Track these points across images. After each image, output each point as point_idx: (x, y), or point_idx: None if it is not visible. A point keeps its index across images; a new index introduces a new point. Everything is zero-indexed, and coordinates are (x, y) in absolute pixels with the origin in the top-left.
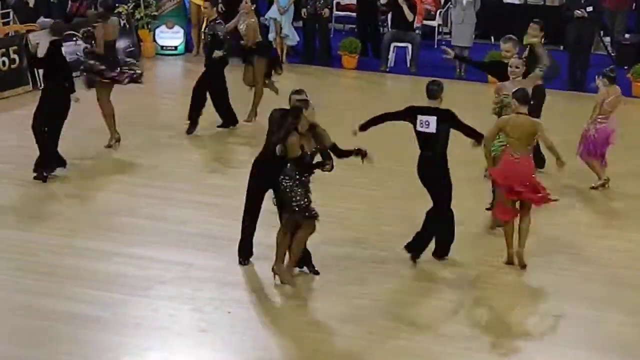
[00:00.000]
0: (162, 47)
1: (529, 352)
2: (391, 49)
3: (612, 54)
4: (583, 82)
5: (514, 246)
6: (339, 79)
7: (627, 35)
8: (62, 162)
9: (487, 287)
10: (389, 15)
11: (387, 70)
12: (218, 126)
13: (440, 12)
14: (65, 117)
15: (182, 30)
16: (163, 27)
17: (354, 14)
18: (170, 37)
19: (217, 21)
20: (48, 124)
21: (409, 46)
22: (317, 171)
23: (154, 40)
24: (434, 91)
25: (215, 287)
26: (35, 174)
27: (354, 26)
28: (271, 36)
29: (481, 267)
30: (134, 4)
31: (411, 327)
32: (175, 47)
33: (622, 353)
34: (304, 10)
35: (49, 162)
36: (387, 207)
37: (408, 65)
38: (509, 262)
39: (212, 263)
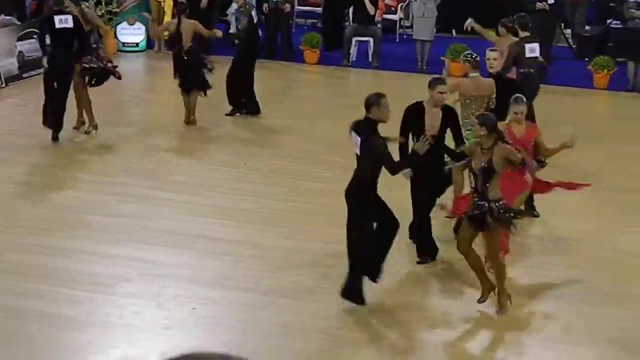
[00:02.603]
0: (123, 43)
1: (534, 349)
2: (353, 43)
3: (573, 46)
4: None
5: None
6: (301, 74)
7: (587, 27)
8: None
9: (457, 277)
10: (351, 10)
11: (349, 64)
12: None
13: (401, 5)
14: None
15: (143, 27)
16: (124, 24)
17: (316, 9)
18: (132, 33)
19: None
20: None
21: (371, 40)
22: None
23: (115, 37)
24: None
25: (180, 284)
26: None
27: (315, 21)
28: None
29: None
30: (94, 0)
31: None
32: (137, 44)
33: (626, 347)
34: (265, 5)
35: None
36: None
37: (370, 59)
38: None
39: (177, 260)
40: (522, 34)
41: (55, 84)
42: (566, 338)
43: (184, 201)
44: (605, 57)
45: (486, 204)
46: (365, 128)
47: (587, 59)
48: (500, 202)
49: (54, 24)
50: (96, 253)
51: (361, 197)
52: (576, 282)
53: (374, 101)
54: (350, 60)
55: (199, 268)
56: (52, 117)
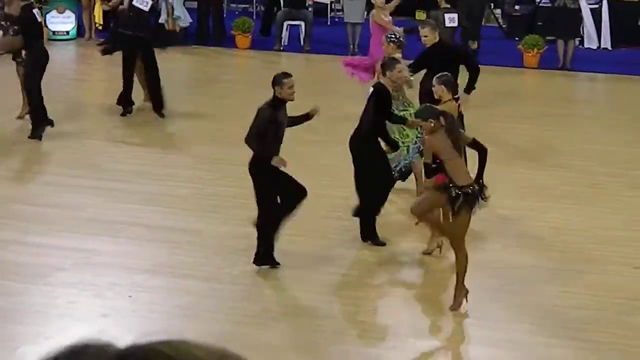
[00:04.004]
0: (53, 32)
1: (468, 327)
2: (284, 27)
3: (503, 26)
4: (475, 55)
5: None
6: (233, 58)
7: (517, 7)
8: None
9: (420, 264)
10: None
11: (281, 48)
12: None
13: None
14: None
15: (73, 15)
16: (54, 12)
17: None
18: (62, 22)
19: None
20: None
21: (302, 24)
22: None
23: (45, 26)
24: None
25: (116, 273)
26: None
27: (247, 6)
28: (163, 18)
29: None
30: None
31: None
32: (67, 32)
33: (558, 325)
34: None
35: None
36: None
37: (302, 43)
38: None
39: (112, 248)
40: (444, 5)
41: None
42: (502, 315)
43: (117, 189)
44: (535, 36)
45: (460, 192)
46: (268, 103)
47: (517, 39)
48: (473, 186)
49: None
50: (27, 243)
51: (260, 170)
52: (510, 259)
53: (277, 80)
54: (282, 44)
55: (135, 256)
56: None
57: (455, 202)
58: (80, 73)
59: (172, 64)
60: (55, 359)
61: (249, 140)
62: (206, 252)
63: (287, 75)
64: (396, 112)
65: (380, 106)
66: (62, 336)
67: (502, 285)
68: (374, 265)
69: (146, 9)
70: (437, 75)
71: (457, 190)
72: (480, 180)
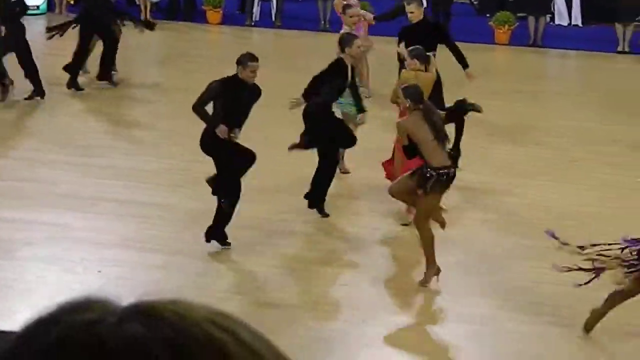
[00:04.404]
0: None
1: (436, 304)
2: (256, 2)
3: (474, 2)
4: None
5: None
6: (204, 34)
7: None
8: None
9: (392, 242)
10: None
11: (252, 24)
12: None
13: None
14: None
15: None
16: None
17: None
18: None
19: None
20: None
21: (274, 0)
22: None
23: None
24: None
25: (85, 247)
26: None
27: None
28: None
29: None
30: None
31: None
32: (38, 7)
33: (530, 301)
34: None
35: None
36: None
37: (273, 18)
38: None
39: (82, 223)
40: None
41: None
42: (473, 290)
43: (88, 164)
44: (506, 12)
45: (434, 174)
46: (223, 78)
47: (488, 15)
48: (449, 170)
49: None
50: None
51: (213, 144)
52: (484, 235)
53: (241, 61)
54: (254, 19)
55: (104, 230)
56: None
57: (427, 182)
58: (50, 48)
59: (141, 38)
60: (54, 316)
61: (195, 108)
62: (176, 227)
63: (253, 58)
64: (345, 102)
65: (335, 76)
66: (31, 311)
67: (474, 262)
68: (340, 241)
69: None
70: (409, 49)
71: (431, 172)
72: (458, 149)
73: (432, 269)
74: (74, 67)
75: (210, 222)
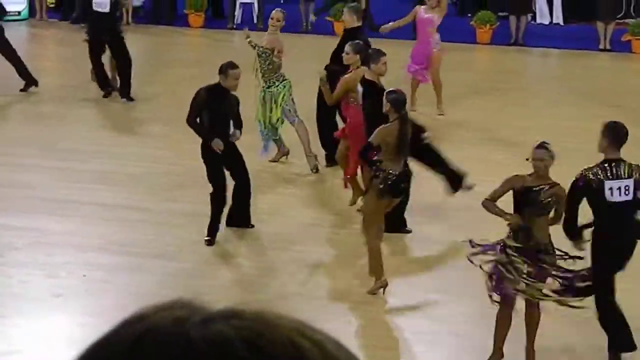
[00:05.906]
0: None
1: (410, 296)
2: (237, 5)
3: (455, 2)
4: None
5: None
6: (186, 37)
7: None
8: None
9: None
10: None
11: (234, 27)
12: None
13: None
14: None
15: None
16: None
17: None
18: (12, 2)
19: None
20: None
21: (255, 2)
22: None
23: None
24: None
25: (69, 252)
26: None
27: None
28: None
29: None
30: None
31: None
32: (19, 13)
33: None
34: None
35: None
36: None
37: (255, 21)
38: None
39: (64, 227)
40: None
41: None
42: (438, 285)
43: (69, 168)
44: (487, 12)
45: (381, 174)
46: (207, 87)
47: (469, 15)
48: (401, 176)
49: None
50: None
51: (204, 151)
52: (462, 236)
53: (222, 70)
54: (235, 22)
55: (87, 234)
56: None
57: (375, 179)
58: (32, 54)
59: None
60: (143, 317)
61: (189, 122)
62: (158, 230)
63: (234, 66)
64: (273, 87)
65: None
66: (15, 316)
67: (456, 260)
68: (314, 227)
69: (106, 10)
70: (349, 43)
71: (381, 172)
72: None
73: (378, 281)
74: (125, 80)
75: (191, 225)
